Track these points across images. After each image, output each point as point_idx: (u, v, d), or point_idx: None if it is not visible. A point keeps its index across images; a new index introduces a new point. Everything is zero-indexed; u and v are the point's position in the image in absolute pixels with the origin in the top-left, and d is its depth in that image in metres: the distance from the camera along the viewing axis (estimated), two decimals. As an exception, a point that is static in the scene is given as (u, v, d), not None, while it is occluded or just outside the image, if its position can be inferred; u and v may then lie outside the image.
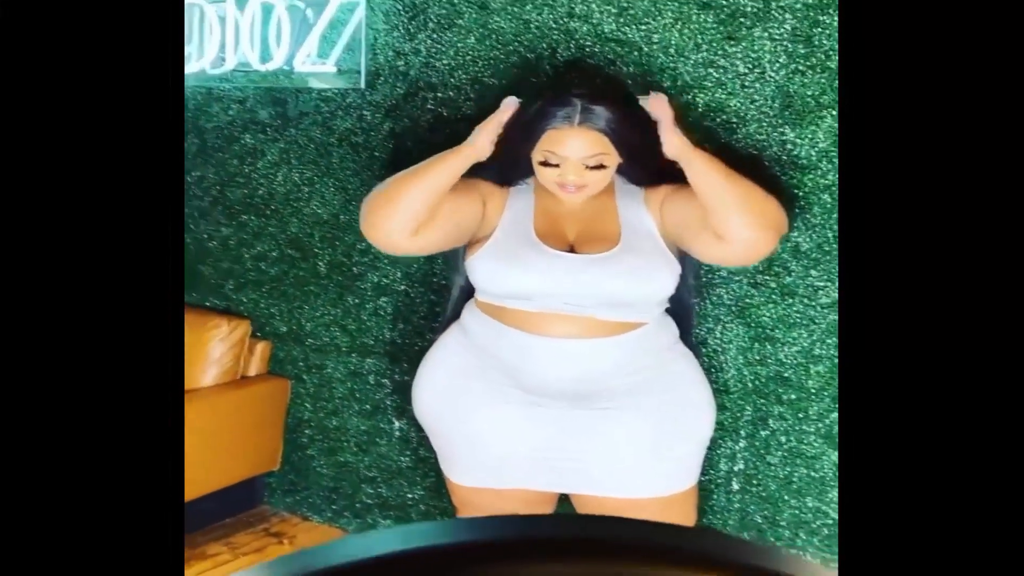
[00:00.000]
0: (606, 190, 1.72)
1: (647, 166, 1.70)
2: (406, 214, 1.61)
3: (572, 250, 1.65)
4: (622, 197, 1.71)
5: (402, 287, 2.33)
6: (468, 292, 1.79)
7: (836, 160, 1.74)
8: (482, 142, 1.66)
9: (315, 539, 2.51)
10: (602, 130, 1.60)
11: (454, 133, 2.14)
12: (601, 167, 1.63)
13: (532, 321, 1.62)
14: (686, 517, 1.73)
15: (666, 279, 1.64)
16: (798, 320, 1.83)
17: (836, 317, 1.77)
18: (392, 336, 2.37)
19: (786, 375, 1.86)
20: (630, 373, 1.64)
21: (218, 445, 2.41)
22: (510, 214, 1.71)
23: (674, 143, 1.58)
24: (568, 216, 1.70)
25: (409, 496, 2.39)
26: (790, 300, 1.84)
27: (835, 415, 1.82)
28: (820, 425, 1.84)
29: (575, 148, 1.60)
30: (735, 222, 1.53)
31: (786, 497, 1.89)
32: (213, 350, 2.47)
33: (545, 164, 1.62)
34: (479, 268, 1.66)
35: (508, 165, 1.72)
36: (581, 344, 1.61)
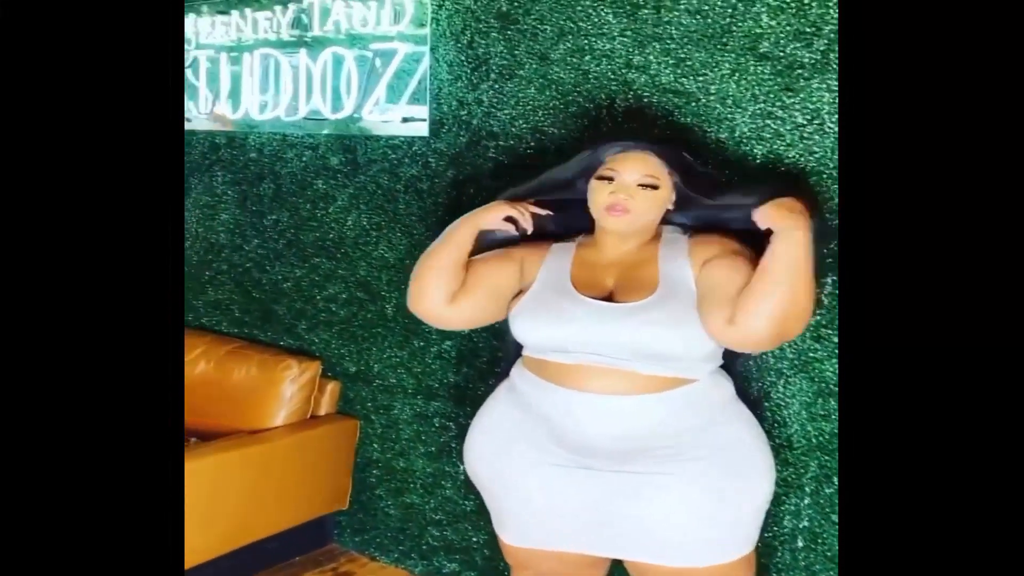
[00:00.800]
0: (651, 239, 1.71)
1: (697, 202, 1.69)
2: (434, 286, 1.71)
3: (611, 299, 1.63)
4: (666, 246, 1.68)
5: (466, 331, 2.35)
6: (519, 349, 1.80)
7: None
8: (493, 214, 1.76)
9: (382, 579, 2.54)
10: (658, 153, 1.67)
11: (515, 180, 2.17)
12: (652, 187, 1.64)
13: (572, 376, 1.60)
14: None
15: (701, 331, 1.57)
16: (864, 376, 1.77)
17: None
18: (456, 380, 2.40)
19: (852, 432, 1.80)
20: (678, 432, 1.60)
21: (288, 484, 2.47)
22: (549, 266, 1.72)
23: (781, 215, 1.51)
24: (609, 266, 1.69)
25: (474, 539, 2.40)
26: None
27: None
28: (888, 485, 1.77)
29: (633, 165, 1.66)
30: (762, 310, 1.48)
31: (853, 558, 1.82)
32: (285, 390, 2.54)
33: (601, 178, 1.65)
34: (517, 321, 1.68)
35: (562, 193, 1.76)
36: (623, 401, 1.57)
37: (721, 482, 1.60)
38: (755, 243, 1.65)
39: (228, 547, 2.36)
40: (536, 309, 1.65)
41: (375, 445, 2.59)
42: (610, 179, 1.66)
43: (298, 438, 2.50)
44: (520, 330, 1.67)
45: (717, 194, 1.70)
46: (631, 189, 1.65)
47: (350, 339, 2.60)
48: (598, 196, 1.66)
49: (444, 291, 1.70)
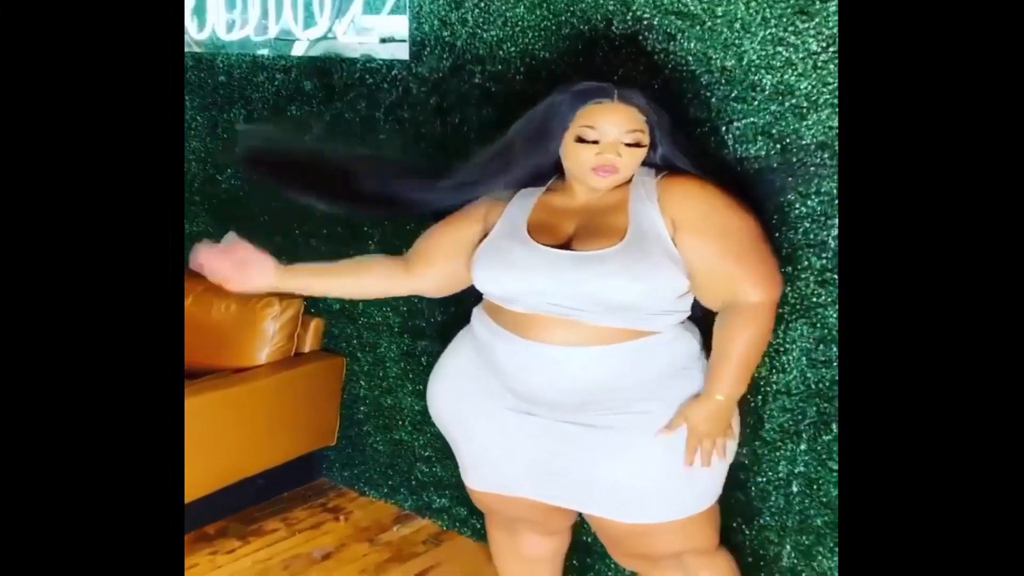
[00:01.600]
0: (623, 183, 1.58)
1: (676, 156, 1.59)
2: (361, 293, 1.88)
3: (568, 246, 1.53)
4: (636, 189, 1.55)
5: (452, 270, 2.26)
6: None
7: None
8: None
9: (371, 515, 2.53)
10: (639, 106, 1.53)
11: (503, 110, 2.03)
12: (638, 145, 1.53)
13: (524, 324, 1.52)
14: (703, 538, 1.65)
15: (667, 281, 1.48)
16: (868, 323, 1.70)
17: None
18: (443, 318, 2.32)
19: (854, 379, 1.74)
20: (633, 385, 1.53)
21: (275, 422, 2.43)
22: (509, 212, 1.62)
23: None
24: (573, 212, 1.57)
25: (463, 476, 2.37)
26: (860, 302, 1.70)
27: (906, 424, 1.70)
28: (889, 434, 1.72)
29: (615, 121, 1.51)
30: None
31: (850, 505, 1.79)
32: (267, 328, 2.47)
33: (581, 140, 1.50)
34: (473, 269, 1.61)
35: (534, 154, 1.58)
36: (573, 352, 1.49)
37: (674, 437, 1.55)
38: (730, 185, 1.59)
39: (217, 485, 2.34)
40: (489, 257, 1.57)
41: (362, 382, 2.53)
42: (594, 141, 1.51)
43: (283, 376, 2.44)
44: (475, 278, 1.60)
45: (693, 161, 1.60)
46: (618, 148, 1.51)
47: (332, 274, 2.50)
48: (582, 157, 1.52)
49: (379, 287, 1.76)
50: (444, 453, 2.39)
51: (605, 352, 1.49)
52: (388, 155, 1.95)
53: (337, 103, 2.38)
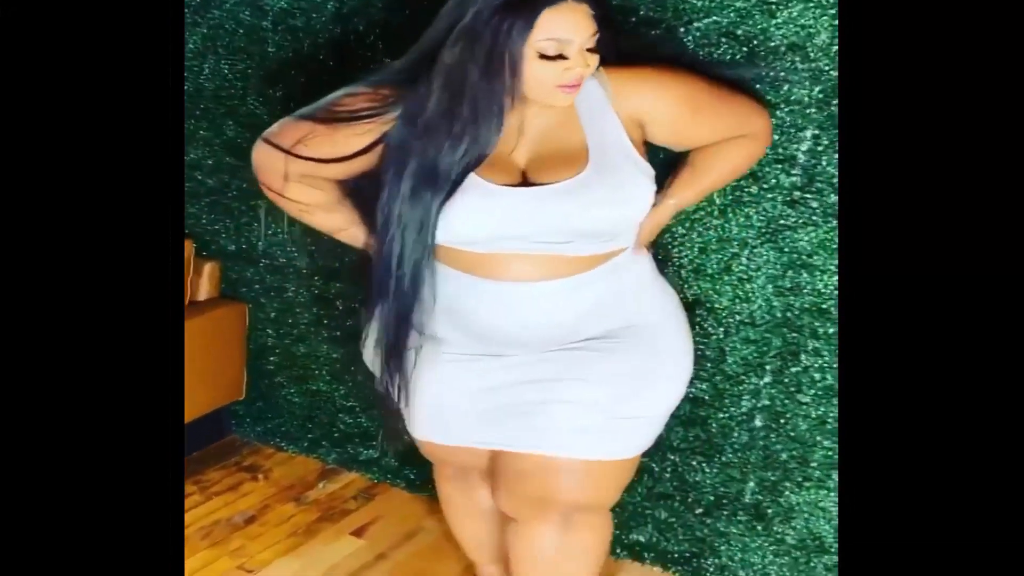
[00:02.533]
0: None
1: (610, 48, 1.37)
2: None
3: (526, 181, 1.34)
4: (581, 97, 1.36)
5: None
6: None
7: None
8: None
9: (293, 471, 2.31)
10: (587, 1, 1.30)
11: (416, 13, 1.74)
12: (595, 51, 1.31)
13: (488, 265, 1.37)
14: (611, 491, 1.50)
15: (645, 195, 1.39)
16: (841, 245, 1.56)
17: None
18: (358, 258, 2.06)
19: (824, 306, 1.60)
20: (602, 316, 1.41)
21: (173, 382, 2.14)
22: None
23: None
24: (516, 136, 1.37)
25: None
26: (835, 222, 1.55)
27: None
28: (862, 362, 1.61)
29: (577, 26, 1.27)
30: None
31: (819, 438, 1.69)
32: (153, 277, 2.15)
33: (544, 57, 1.28)
34: None
35: (500, 91, 1.30)
36: (545, 288, 1.36)
37: (632, 376, 1.41)
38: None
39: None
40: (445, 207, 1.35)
41: (269, 331, 2.26)
42: (558, 55, 1.28)
43: (177, 331, 2.14)
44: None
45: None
46: (584, 56, 1.30)
47: (224, 213, 2.19)
48: (544, 76, 1.29)
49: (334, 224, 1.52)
50: (369, 403, 2.17)
51: (581, 281, 1.38)
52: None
53: (215, 11, 2.02)
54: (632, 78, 1.38)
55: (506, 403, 1.42)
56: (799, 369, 1.67)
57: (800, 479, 1.73)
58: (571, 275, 1.37)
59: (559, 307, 1.38)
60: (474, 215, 1.32)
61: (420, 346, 1.45)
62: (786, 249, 1.61)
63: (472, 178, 1.33)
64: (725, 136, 1.44)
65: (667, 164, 1.50)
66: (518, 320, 1.39)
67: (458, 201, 1.32)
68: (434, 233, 1.34)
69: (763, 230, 1.61)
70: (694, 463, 1.81)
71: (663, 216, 1.47)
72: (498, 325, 1.39)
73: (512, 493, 1.47)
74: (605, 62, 1.35)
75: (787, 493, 1.75)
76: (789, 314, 1.64)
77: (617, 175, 1.34)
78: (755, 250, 1.63)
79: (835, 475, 1.70)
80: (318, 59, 1.93)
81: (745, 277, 1.66)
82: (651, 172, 1.38)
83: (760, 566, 1.81)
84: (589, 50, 1.30)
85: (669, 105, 1.38)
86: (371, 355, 1.56)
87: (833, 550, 1.74)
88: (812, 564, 1.77)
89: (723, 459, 1.79)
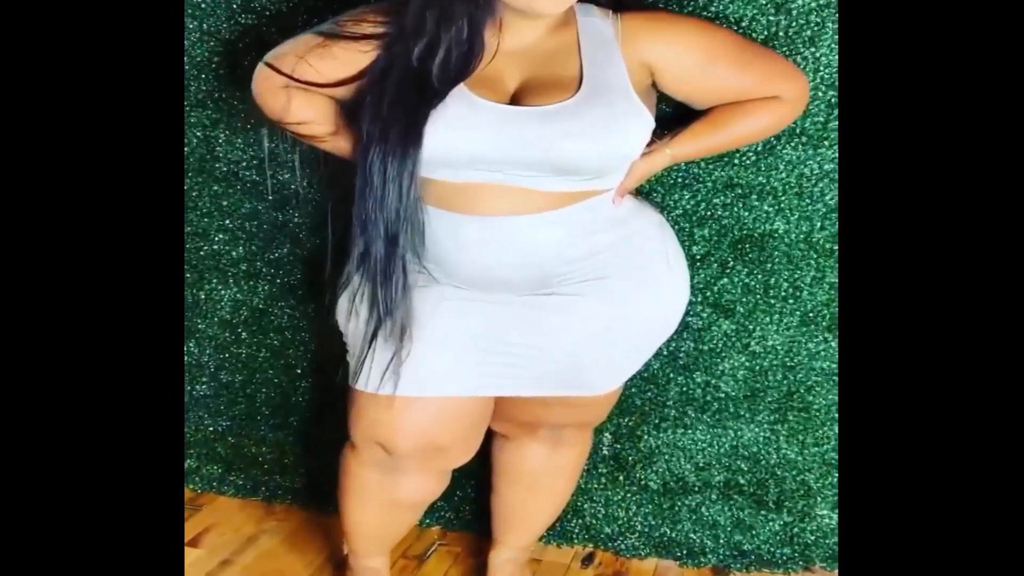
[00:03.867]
0: (565, 21, 1.31)
1: None
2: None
3: (515, 103, 1.28)
4: (586, 32, 1.31)
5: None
6: None
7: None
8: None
9: None
10: None
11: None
12: None
13: (459, 197, 1.29)
14: (602, 413, 1.58)
15: (636, 139, 1.30)
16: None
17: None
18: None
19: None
20: (589, 254, 1.34)
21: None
22: None
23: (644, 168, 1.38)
24: (513, 58, 1.30)
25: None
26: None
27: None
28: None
29: None
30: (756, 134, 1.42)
31: (671, 374, 1.67)
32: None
33: None
34: None
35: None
36: (519, 221, 1.28)
37: (628, 310, 1.38)
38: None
39: None
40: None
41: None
42: None
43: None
44: None
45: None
46: None
47: None
48: None
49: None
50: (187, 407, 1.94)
51: (556, 217, 1.30)
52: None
53: None
54: (646, 20, 1.33)
55: (501, 348, 1.37)
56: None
57: (657, 420, 1.70)
58: (545, 210, 1.29)
59: (535, 243, 1.30)
60: (457, 128, 1.24)
61: (412, 281, 1.32)
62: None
63: (459, 88, 1.25)
64: (750, 95, 1.35)
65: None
66: (494, 257, 1.31)
67: (441, 111, 1.24)
68: (420, 141, 1.23)
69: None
70: (550, 419, 1.74)
71: (654, 164, 1.38)
72: (476, 262, 1.31)
73: (503, 418, 1.52)
74: (622, 7, 1.32)
75: (646, 438, 1.72)
76: (634, 250, 1.61)
77: (606, 109, 1.26)
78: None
79: (690, 411, 1.68)
80: None
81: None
82: (649, 118, 1.30)
83: (624, 519, 1.76)
84: None
85: (683, 50, 1.32)
86: (347, 307, 1.39)
87: (696, 489, 1.72)
88: (676, 507, 1.73)
89: (579, 411, 1.73)
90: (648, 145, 1.34)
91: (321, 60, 1.29)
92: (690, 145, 1.39)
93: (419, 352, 1.33)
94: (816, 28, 1.46)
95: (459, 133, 1.24)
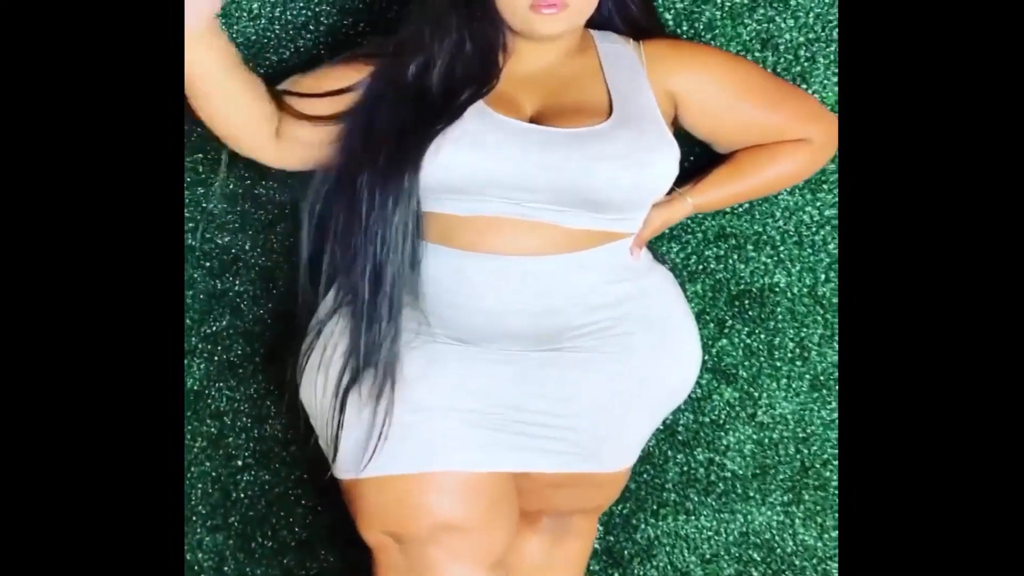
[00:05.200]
0: (581, 48, 1.22)
1: None
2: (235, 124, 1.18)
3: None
4: (608, 57, 1.22)
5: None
6: None
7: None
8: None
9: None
10: None
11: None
12: None
13: (466, 233, 1.15)
14: (611, 496, 1.36)
15: (665, 171, 1.18)
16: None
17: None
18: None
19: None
20: (609, 305, 1.19)
21: None
22: None
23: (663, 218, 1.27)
24: (529, 81, 1.20)
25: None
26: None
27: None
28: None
29: None
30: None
31: (668, 451, 1.47)
32: None
33: None
34: None
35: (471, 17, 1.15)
36: (541, 261, 1.15)
37: (654, 369, 1.24)
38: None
39: None
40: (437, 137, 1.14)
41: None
42: None
43: None
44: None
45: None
46: None
47: None
48: None
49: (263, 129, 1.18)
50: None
51: (576, 260, 1.16)
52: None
53: None
54: (671, 47, 1.26)
55: (511, 414, 1.18)
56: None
57: (655, 507, 1.50)
58: (564, 251, 1.16)
59: (551, 289, 1.16)
60: (471, 146, 1.11)
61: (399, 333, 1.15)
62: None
63: (480, 105, 1.14)
64: (776, 136, 1.26)
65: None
66: (504, 302, 1.15)
67: (453, 127, 1.12)
68: (419, 163, 1.10)
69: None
70: (532, 510, 1.53)
71: (674, 213, 1.27)
72: (482, 308, 1.16)
73: None
74: (644, 34, 1.25)
75: (643, 527, 1.51)
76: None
77: (640, 136, 1.17)
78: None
79: (692, 494, 1.48)
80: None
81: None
82: (676, 150, 1.20)
83: (622, 623, 1.53)
84: None
85: (710, 80, 1.23)
86: (313, 377, 1.21)
87: (702, 585, 1.50)
88: (681, 607, 1.51)
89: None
90: (667, 193, 1.23)
91: (316, 81, 1.18)
92: (712, 193, 1.28)
93: (419, 422, 1.15)
94: (806, 64, 1.34)
95: (474, 152, 1.11)
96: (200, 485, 1.59)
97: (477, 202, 1.14)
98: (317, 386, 1.19)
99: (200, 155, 1.41)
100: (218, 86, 1.12)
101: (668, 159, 1.19)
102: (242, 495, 1.59)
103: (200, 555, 1.62)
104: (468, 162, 1.12)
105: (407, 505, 1.14)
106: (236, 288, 1.49)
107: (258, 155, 1.21)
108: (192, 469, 1.59)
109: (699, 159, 1.33)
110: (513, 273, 1.15)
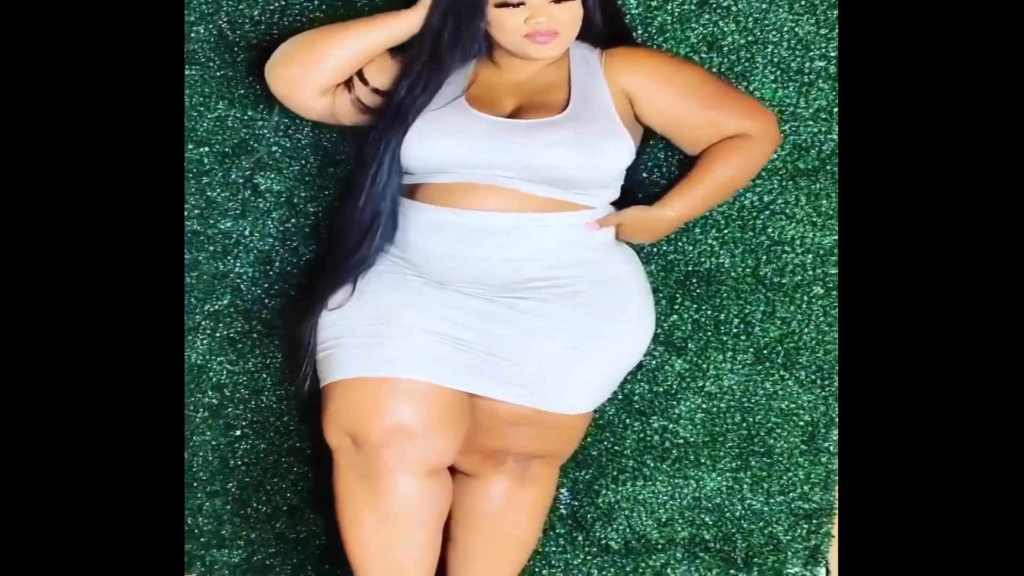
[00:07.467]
0: (560, 57, 1.43)
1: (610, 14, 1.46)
2: (318, 69, 1.41)
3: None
4: (577, 64, 1.43)
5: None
6: None
7: None
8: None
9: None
10: None
11: None
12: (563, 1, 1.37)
13: (452, 194, 1.39)
14: (572, 442, 1.51)
15: (614, 155, 1.39)
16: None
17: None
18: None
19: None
20: (565, 265, 1.40)
21: None
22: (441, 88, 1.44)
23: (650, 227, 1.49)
24: (510, 88, 1.43)
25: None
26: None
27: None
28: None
29: None
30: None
31: (627, 419, 1.59)
32: None
33: (505, 5, 1.35)
34: (406, 138, 1.40)
35: (454, 29, 1.39)
36: (506, 218, 1.37)
37: (597, 330, 1.41)
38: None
39: None
40: (425, 125, 1.39)
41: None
42: (519, 2, 1.35)
43: None
44: (408, 148, 1.40)
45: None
46: (548, 8, 1.35)
47: None
48: (509, 24, 1.36)
49: (329, 79, 1.42)
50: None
51: (541, 220, 1.38)
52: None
53: None
54: (627, 52, 1.44)
55: (474, 338, 1.39)
56: (599, 348, 1.59)
57: (615, 472, 1.62)
58: (528, 211, 1.37)
59: (515, 241, 1.38)
60: (449, 132, 1.37)
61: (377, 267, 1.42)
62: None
63: (458, 101, 1.39)
64: (722, 131, 1.43)
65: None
66: (468, 248, 1.38)
67: (437, 117, 1.38)
68: (407, 128, 1.38)
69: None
70: (502, 476, 1.65)
71: (647, 217, 1.46)
72: (450, 252, 1.38)
73: (470, 448, 1.44)
74: (615, 43, 1.44)
75: (604, 492, 1.62)
76: (582, 290, 1.58)
77: (588, 126, 1.37)
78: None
79: (649, 460, 1.60)
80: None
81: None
82: (629, 141, 1.40)
83: (585, 585, 1.64)
84: (559, 1, 1.35)
85: (657, 80, 1.41)
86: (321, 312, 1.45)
87: (660, 547, 1.61)
88: (640, 570, 1.62)
89: (532, 466, 1.64)
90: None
91: (376, 72, 1.44)
92: (681, 201, 1.46)
93: (392, 335, 1.37)
94: (747, 64, 1.50)
95: (451, 138, 1.36)
96: (201, 453, 1.72)
97: (458, 175, 1.38)
98: (325, 322, 1.43)
99: (206, 148, 1.58)
100: (365, 42, 1.40)
101: (616, 145, 1.39)
102: (239, 463, 1.72)
103: (200, 519, 1.74)
104: (446, 146, 1.37)
105: (369, 406, 1.34)
106: (236, 269, 1.65)
107: (299, 95, 1.43)
108: (194, 438, 1.72)
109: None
110: (477, 225, 1.37)
